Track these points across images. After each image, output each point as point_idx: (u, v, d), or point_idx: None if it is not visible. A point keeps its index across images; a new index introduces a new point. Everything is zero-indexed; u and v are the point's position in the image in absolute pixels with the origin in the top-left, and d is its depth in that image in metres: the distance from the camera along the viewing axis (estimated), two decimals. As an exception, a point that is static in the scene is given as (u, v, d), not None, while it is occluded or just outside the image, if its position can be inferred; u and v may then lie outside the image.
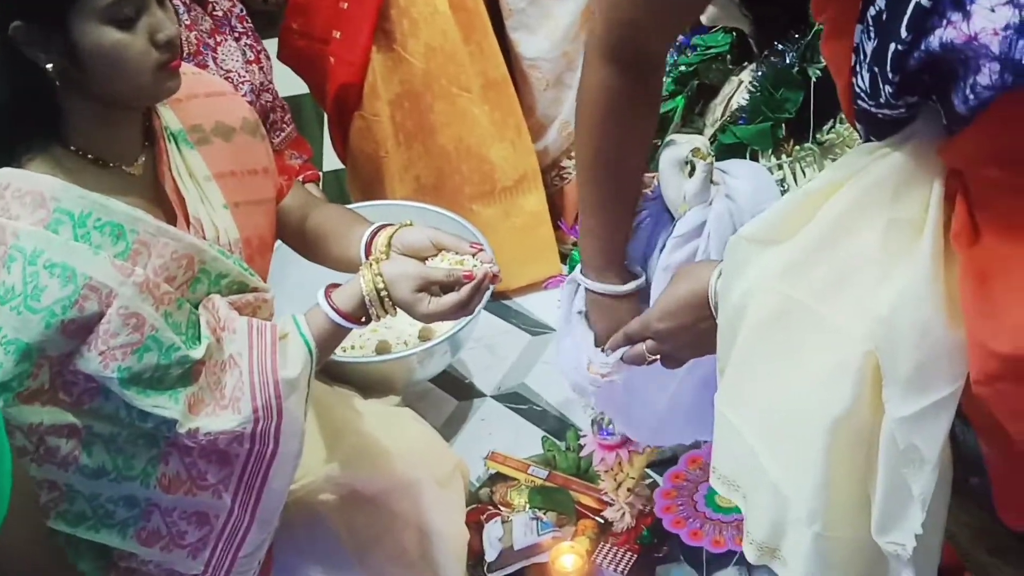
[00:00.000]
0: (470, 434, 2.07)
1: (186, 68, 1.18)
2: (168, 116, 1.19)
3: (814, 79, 1.17)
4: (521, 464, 1.88)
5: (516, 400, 2.14)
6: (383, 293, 1.16)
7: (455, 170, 2.29)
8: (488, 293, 1.21)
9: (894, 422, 0.76)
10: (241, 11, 2.04)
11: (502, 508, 1.80)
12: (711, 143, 1.27)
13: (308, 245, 1.37)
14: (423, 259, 1.21)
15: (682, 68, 1.40)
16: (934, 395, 0.75)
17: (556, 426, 2.04)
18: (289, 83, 2.34)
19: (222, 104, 1.27)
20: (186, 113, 1.20)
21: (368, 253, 1.25)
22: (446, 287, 1.17)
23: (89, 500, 1.07)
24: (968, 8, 0.62)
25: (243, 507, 1.14)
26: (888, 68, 0.69)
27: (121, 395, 1.02)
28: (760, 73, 1.21)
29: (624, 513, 1.66)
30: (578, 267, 1.21)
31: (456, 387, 2.19)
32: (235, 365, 1.08)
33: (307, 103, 2.78)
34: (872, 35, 0.69)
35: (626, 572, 1.66)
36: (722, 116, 1.34)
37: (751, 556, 0.95)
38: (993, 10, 0.61)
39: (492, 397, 2.16)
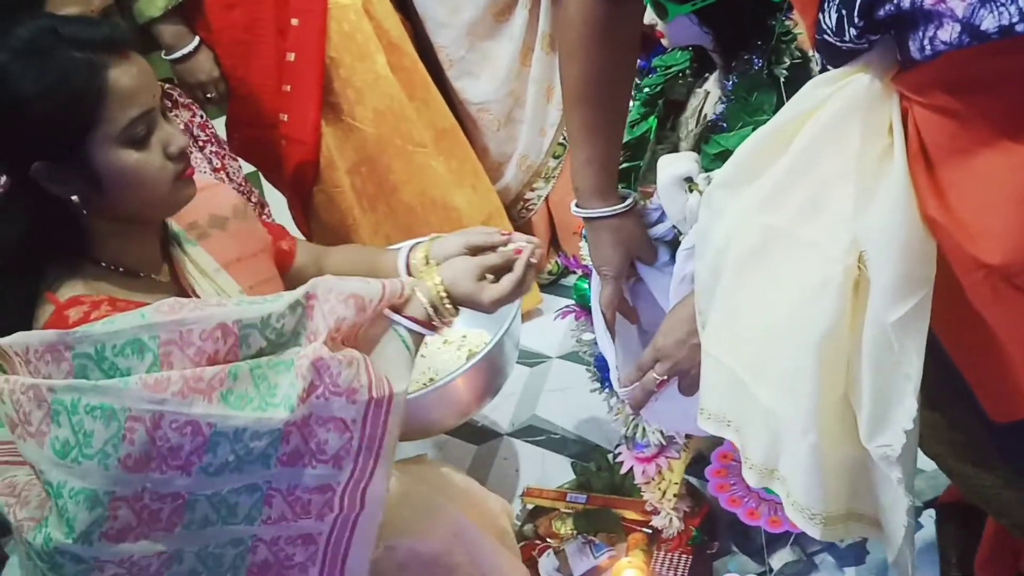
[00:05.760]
0: (497, 475, 2.10)
1: None
2: (169, 221, 1.24)
3: (782, 79, 1.25)
4: (558, 493, 1.91)
5: (533, 433, 2.18)
6: (444, 297, 1.19)
7: (423, 223, 2.33)
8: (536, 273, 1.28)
9: (889, 326, 0.82)
10: (202, 118, 2.06)
11: (550, 540, 1.83)
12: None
13: None
14: None
15: (647, 90, 1.47)
16: (916, 296, 0.83)
17: (580, 449, 2.09)
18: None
19: (210, 197, 1.31)
20: (181, 214, 1.23)
21: (410, 275, 1.31)
22: (500, 270, 1.23)
23: None
24: None
25: None
26: (855, 13, 0.76)
27: (212, 486, 1.03)
28: (731, 83, 1.28)
29: (672, 518, 1.71)
30: (573, 203, 1.27)
31: (470, 432, 2.22)
32: (345, 430, 1.06)
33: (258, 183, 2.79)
34: None
35: (686, 574, 1.70)
36: (696, 127, 1.41)
37: (752, 480, 1.00)
38: None
39: (508, 435, 2.20)
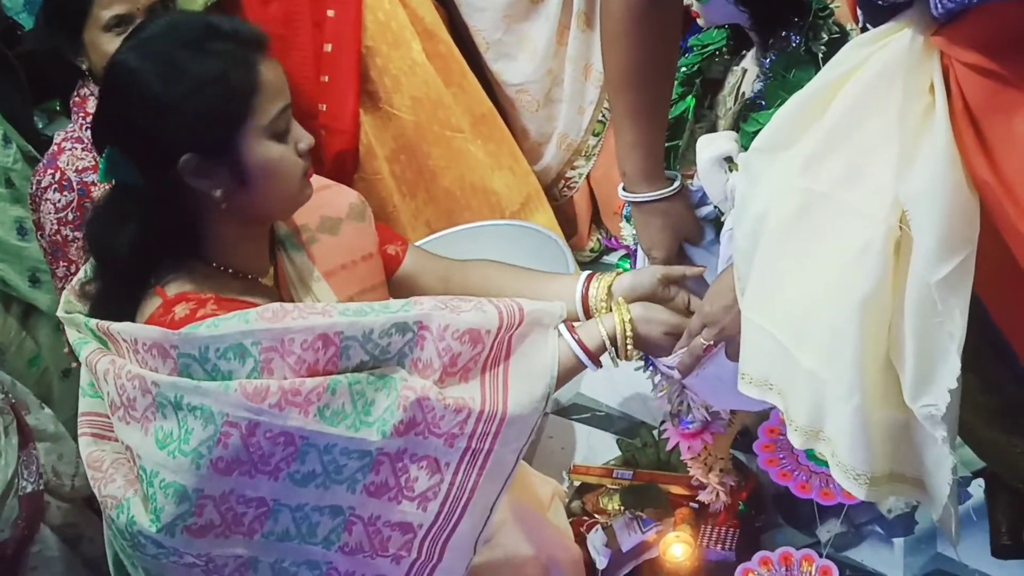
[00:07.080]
0: (544, 454, 2.13)
1: None
2: (277, 223, 1.23)
3: (820, 55, 1.25)
4: (604, 470, 1.94)
5: (577, 411, 2.21)
6: (630, 336, 1.18)
7: (464, 207, 2.35)
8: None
9: (933, 285, 0.83)
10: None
11: (597, 516, 1.86)
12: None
13: None
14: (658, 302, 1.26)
15: (684, 69, 1.47)
16: (960, 255, 0.83)
17: (624, 426, 2.11)
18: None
19: (326, 197, 1.30)
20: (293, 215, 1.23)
21: (585, 304, 1.28)
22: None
23: None
24: None
25: None
26: None
27: (297, 496, 1.04)
28: (768, 60, 1.29)
29: (718, 493, 1.73)
30: (620, 187, 1.28)
31: (516, 412, 2.24)
32: (437, 471, 1.07)
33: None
34: None
35: (733, 547, 1.72)
36: (734, 105, 1.41)
37: (797, 442, 1.00)
38: None
39: (554, 414, 2.22)
